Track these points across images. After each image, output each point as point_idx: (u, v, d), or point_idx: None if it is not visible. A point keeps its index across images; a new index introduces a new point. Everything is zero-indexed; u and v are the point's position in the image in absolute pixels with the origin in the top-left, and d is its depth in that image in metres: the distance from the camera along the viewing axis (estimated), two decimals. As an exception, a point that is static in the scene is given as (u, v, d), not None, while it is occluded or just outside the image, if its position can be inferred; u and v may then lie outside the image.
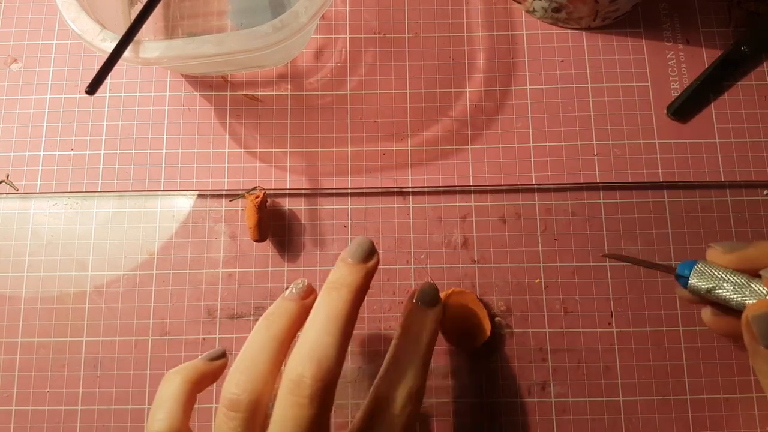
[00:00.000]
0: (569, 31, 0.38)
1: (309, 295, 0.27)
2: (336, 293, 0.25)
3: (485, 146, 0.36)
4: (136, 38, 0.30)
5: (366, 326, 0.34)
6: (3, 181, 0.36)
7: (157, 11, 0.38)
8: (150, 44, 0.30)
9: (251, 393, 0.24)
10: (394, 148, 0.37)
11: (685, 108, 0.37)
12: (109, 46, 0.29)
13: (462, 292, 0.34)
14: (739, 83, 0.37)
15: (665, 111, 0.37)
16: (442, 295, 0.33)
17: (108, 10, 0.34)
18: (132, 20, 0.30)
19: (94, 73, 0.28)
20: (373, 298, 0.35)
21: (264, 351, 0.25)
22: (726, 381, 0.33)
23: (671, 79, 0.37)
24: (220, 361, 0.29)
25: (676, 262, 0.35)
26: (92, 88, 0.28)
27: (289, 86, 0.38)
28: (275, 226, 0.36)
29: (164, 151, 0.37)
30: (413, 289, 0.30)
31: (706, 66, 0.37)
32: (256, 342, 0.25)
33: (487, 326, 0.33)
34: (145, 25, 0.30)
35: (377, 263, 0.27)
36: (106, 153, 0.37)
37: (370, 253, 0.27)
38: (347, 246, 0.27)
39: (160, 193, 0.36)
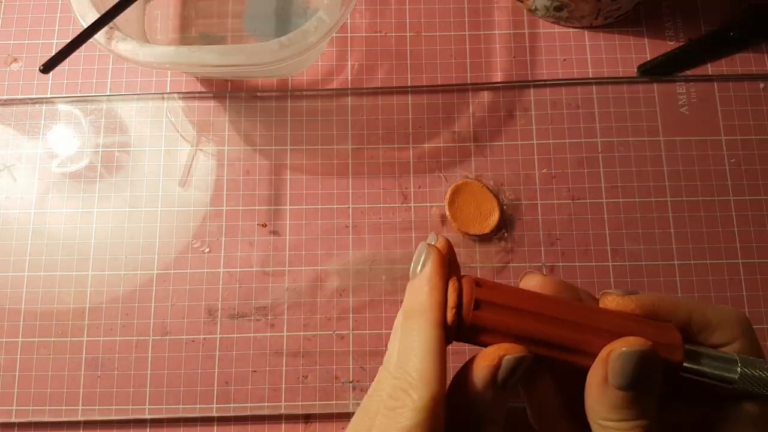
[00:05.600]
0: (571, 29, 0.38)
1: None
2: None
3: (488, 144, 0.36)
4: (143, 40, 0.29)
5: (366, 326, 0.34)
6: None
7: (173, 8, 0.38)
8: (156, 49, 0.30)
9: None
10: (396, 147, 0.36)
11: (656, 71, 0.37)
12: (117, 45, 0.29)
13: (472, 182, 0.35)
14: (745, 83, 0.37)
15: (635, 70, 0.37)
16: (452, 186, 0.35)
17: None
18: (141, 19, 0.29)
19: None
20: (373, 298, 0.35)
21: None
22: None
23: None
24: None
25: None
26: (47, 68, 0.27)
27: (290, 85, 0.38)
28: (276, 226, 0.36)
29: (164, 150, 0.37)
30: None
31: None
32: None
33: (496, 212, 0.35)
34: (158, 23, 0.29)
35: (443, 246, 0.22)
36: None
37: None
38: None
39: (160, 192, 0.36)
